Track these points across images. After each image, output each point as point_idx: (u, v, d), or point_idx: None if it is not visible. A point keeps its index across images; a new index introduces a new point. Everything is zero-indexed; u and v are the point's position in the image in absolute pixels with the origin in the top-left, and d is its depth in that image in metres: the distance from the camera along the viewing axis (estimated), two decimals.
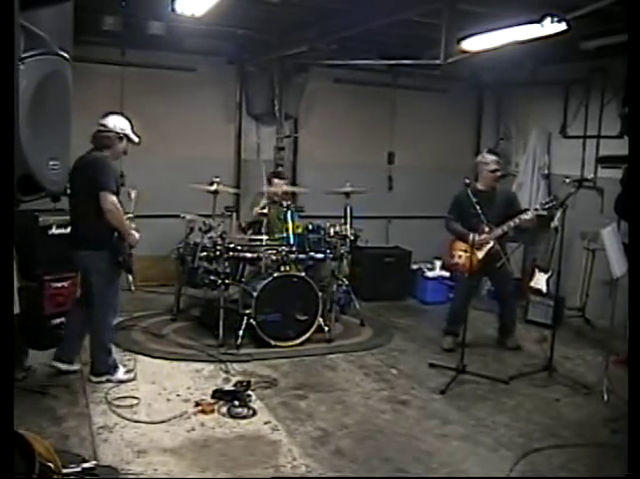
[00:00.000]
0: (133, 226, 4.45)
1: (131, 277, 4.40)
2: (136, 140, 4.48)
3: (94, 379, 4.45)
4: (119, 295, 4.57)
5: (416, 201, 8.36)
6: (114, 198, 4.17)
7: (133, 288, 4.43)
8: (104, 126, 4.36)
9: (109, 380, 4.46)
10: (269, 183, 6.42)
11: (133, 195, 4.64)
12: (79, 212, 4.34)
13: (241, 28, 6.74)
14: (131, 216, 4.50)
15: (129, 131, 4.43)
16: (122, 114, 4.51)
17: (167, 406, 4.18)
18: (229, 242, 5.53)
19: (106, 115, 4.44)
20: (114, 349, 4.66)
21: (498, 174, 5.55)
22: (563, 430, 4.13)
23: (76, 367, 4.55)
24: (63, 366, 4.48)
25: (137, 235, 4.38)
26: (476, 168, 5.81)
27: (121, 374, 4.52)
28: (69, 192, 4.24)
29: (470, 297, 5.24)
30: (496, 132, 8.56)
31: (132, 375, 4.57)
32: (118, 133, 4.35)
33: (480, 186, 5.56)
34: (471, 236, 5.18)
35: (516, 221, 5.29)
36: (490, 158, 5.65)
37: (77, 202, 4.33)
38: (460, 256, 5.53)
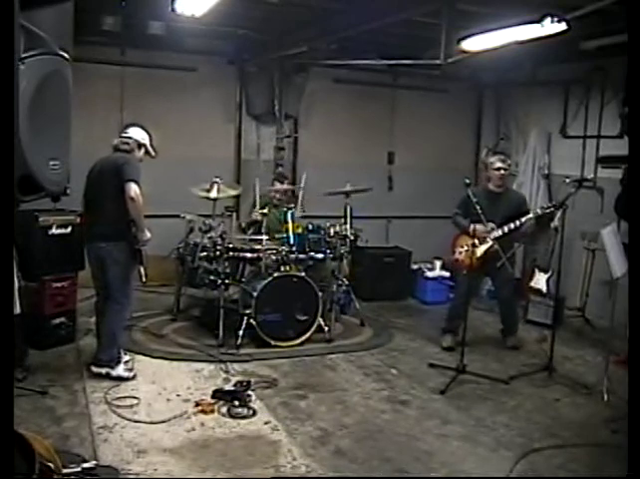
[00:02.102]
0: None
1: (142, 269, 4.48)
2: (153, 154, 4.75)
3: (94, 370, 4.49)
4: (133, 291, 4.68)
5: (416, 201, 8.36)
6: (138, 189, 4.32)
7: (144, 279, 4.50)
8: (125, 133, 4.67)
9: (108, 374, 4.47)
10: (272, 185, 6.49)
11: None
12: (99, 205, 4.47)
13: (241, 28, 6.75)
14: None
15: (147, 142, 4.70)
16: (144, 127, 4.76)
17: (167, 406, 4.18)
18: (229, 243, 5.53)
19: (128, 125, 4.78)
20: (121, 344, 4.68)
21: (502, 172, 5.56)
22: (563, 430, 4.13)
23: (127, 358, 4.71)
24: (101, 371, 4.52)
25: (148, 233, 4.49)
26: (484, 168, 5.85)
27: (121, 370, 4.53)
28: (86, 189, 4.51)
29: (469, 296, 5.24)
30: (496, 132, 8.55)
31: (131, 374, 4.58)
32: (137, 141, 4.63)
33: (490, 186, 5.63)
34: (471, 226, 5.23)
35: (517, 223, 5.29)
36: (495, 157, 5.75)
37: (98, 196, 4.48)
38: (460, 253, 5.55)
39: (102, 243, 4.44)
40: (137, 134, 4.67)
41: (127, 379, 4.52)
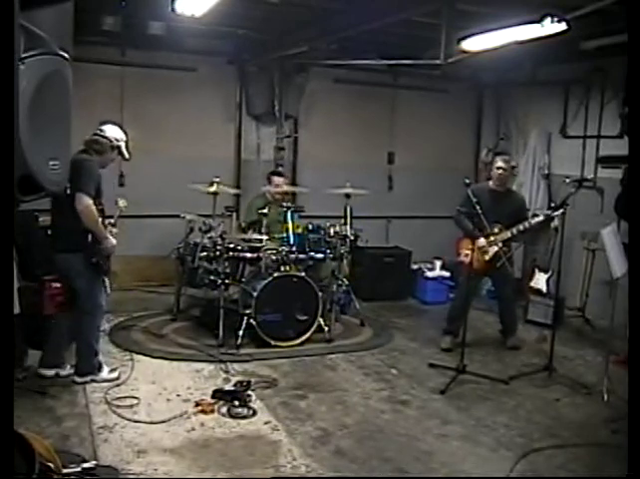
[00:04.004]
0: (114, 230, 4.42)
1: (107, 280, 4.36)
2: (127, 156, 4.51)
3: (78, 380, 4.42)
4: (104, 296, 4.49)
5: (416, 201, 8.35)
6: (88, 200, 4.09)
7: (108, 291, 4.39)
8: (100, 131, 4.40)
9: (93, 380, 4.43)
10: (269, 181, 6.47)
11: (120, 204, 4.60)
12: (59, 213, 4.27)
13: (241, 28, 6.75)
14: (112, 221, 4.47)
15: (122, 144, 4.46)
16: (121, 127, 4.53)
17: (167, 406, 4.18)
18: (229, 242, 5.53)
19: (105, 122, 4.48)
20: (100, 350, 4.59)
21: (501, 172, 5.56)
22: (563, 430, 4.13)
23: (68, 371, 4.52)
24: (49, 372, 4.44)
25: (113, 240, 4.31)
26: (484, 168, 5.86)
27: (105, 374, 4.50)
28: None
29: (469, 297, 5.24)
30: (496, 132, 8.54)
31: (115, 374, 4.55)
32: (112, 141, 4.38)
33: (492, 185, 5.64)
34: (480, 240, 5.28)
35: (526, 224, 5.31)
36: (499, 157, 5.78)
37: (57, 202, 4.22)
38: (466, 255, 5.51)
39: (62, 255, 4.27)
40: (113, 133, 4.40)
41: (113, 380, 4.48)
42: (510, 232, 5.34)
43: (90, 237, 4.20)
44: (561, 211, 5.19)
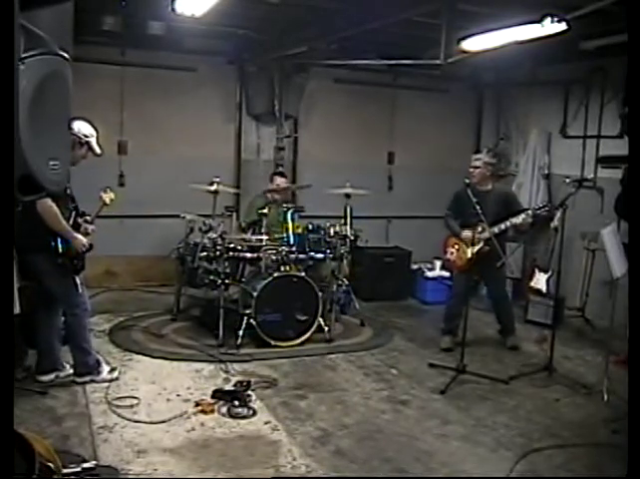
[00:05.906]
0: (91, 227, 4.33)
1: (78, 279, 4.26)
2: (98, 151, 4.33)
3: (78, 380, 4.41)
4: (84, 295, 4.41)
5: (416, 201, 8.35)
6: (48, 201, 3.92)
7: (80, 290, 4.28)
8: (68, 127, 4.28)
9: (93, 380, 4.42)
10: (271, 181, 6.50)
11: (105, 197, 4.46)
12: (23, 212, 4.05)
13: (241, 28, 6.75)
14: (89, 218, 4.38)
15: (92, 139, 4.31)
16: (90, 122, 4.35)
17: (167, 406, 4.18)
18: (229, 242, 5.53)
19: (73, 119, 4.23)
20: (93, 349, 4.56)
21: (472, 169, 5.57)
22: (563, 430, 4.13)
23: (67, 372, 4.49)
24: (47, 378, 4.39)
25: (83, 239, 4.19)
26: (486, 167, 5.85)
27: (104, 374, 4.49)
28: None
29: (466, 296, 5.24)
30: (496, 132, 8.54)
31: (115, 374, 4.54)
32: (80, 138, 4.20)
33: (475, 184, 5.58)
34: (463, 233, 5.36)
35: (507, 223, 5.29)
36: (473, 155, 5.82)
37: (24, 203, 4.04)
38: (452, 253, 5.62)
39: (26, 256, 4.12)
40: (81, 129, 4.22)
41: (113, 380, 4.47)
42: (492, 230, 5.31)
43: (55, 237, 4.09)
44: (545, 209, 5.22)
